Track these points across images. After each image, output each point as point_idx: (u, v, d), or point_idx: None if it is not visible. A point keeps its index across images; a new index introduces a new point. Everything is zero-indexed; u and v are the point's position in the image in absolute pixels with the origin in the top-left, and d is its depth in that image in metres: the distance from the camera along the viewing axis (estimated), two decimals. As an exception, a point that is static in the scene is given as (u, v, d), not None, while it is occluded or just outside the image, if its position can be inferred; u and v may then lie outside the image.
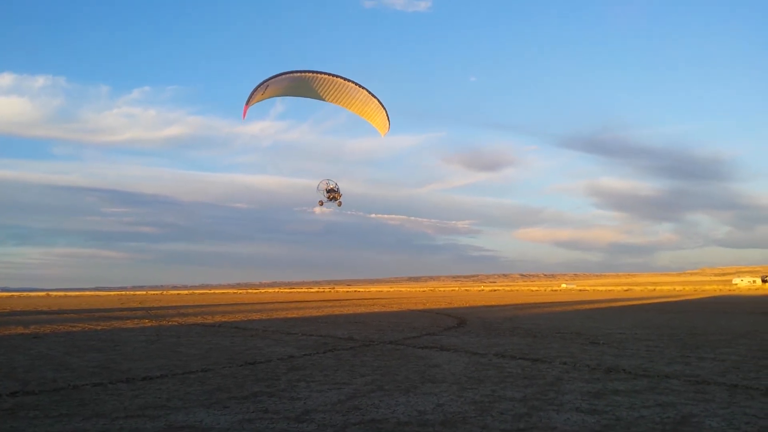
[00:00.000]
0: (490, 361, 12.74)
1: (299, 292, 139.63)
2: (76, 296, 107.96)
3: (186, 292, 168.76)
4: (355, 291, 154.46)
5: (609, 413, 7.68)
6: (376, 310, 38.81)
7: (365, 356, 13.73)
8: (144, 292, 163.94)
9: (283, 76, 27.91)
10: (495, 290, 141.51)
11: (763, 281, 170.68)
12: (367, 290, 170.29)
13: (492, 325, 23.63)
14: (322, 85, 29.43)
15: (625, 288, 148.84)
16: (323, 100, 30.41)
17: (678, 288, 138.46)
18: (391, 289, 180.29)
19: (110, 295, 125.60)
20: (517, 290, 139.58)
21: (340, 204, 32.35)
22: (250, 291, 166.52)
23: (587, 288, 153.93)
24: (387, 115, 30.99)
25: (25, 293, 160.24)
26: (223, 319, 28.58)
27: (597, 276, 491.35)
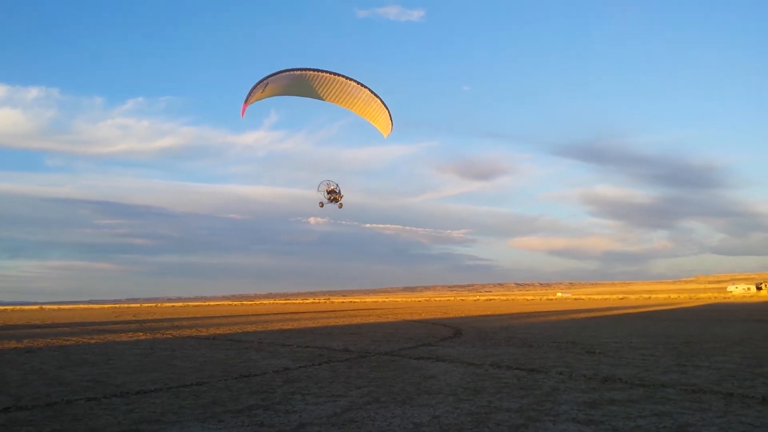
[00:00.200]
0: (486, 371, 12.72)
1: (294, 303, 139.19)
2: (70, 309, 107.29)
3: (180, 304, 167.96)
4: (351, 301, 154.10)
5: (605, 423, 7.67)
6: (371, 320, 38.70)
7: (361, 368, 13.67)
8: (138, 305, 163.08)
9: (284, 74, 27.26)
10: (490, 300, 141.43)
11: (758, 288, 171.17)
12: (362, 300, 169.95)
13: (488, 334, 23.60)
14: (323, 84, 28.72)
15: (621, 296, 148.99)
16: (324, 100, 29.67)
17: (673, 296, 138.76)
18: (387, 300, 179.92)
19: (104, 308, 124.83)
20: (513, 299, 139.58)
21: (341, 206, 31.71)
22: (245, 303, 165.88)
23: (583, 297, 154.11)
24: (390, 116, 30.30)
25: (18, 307, 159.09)
26: (218, 332, 28.44)
27: (592, 284, 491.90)
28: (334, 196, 31.40)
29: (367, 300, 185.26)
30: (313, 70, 27.93)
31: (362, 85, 28.89)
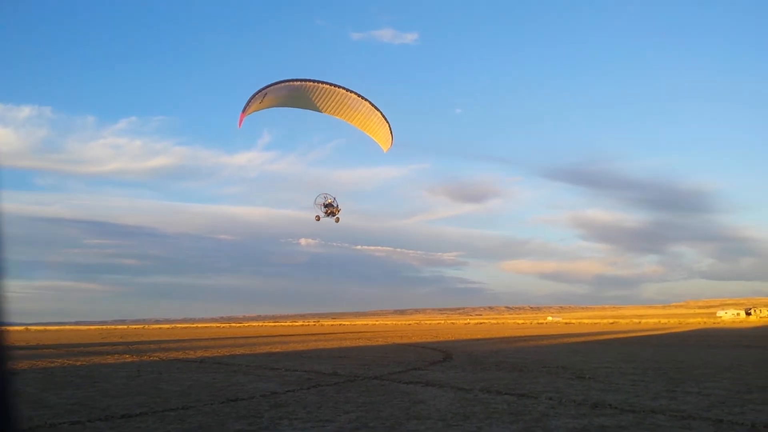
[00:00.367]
0: (476, 396, 12.63)
1: (284, 326, 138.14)
2: (56, 330, 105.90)
3: (168, 326, 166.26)
4: (341, 324, 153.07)
5: (595, 450, 7.61)
6: (361, 343, 38.44)
7: (349, 392, 13.54)
8: (125, 327, 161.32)
9: (282, 85, 26.54)
10: (481, 323, 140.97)
11: (747, 314, 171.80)
12: (352, 323, 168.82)
13: (478, 359, 23.48)
14: (323, 96, 27.92)
15: (611, 321, 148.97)
16: (323, 112, 28.93)
17: (663, 321, 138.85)
18: (377, 322, 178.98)
19: (91, 329, 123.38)
20: (503, 323, 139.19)
21: (337, 220, 31.00)
22: (233, 325, 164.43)
23: (573, 321, 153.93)
24: (390, 129, 29.46)
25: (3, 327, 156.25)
26: (206, 354, 28.14)
27: (583, 308, 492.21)
28: (331, 209, 30.67)
29: (357, 323, 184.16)
30: (313, 81, 27.19)
31: (362, 97, 28.08)
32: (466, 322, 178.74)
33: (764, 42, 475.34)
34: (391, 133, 29.65)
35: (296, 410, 11.02)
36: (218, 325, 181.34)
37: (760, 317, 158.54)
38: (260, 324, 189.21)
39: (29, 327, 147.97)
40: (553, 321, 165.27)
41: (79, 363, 23.53)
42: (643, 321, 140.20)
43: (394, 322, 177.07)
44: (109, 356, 27.62)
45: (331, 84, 27.43)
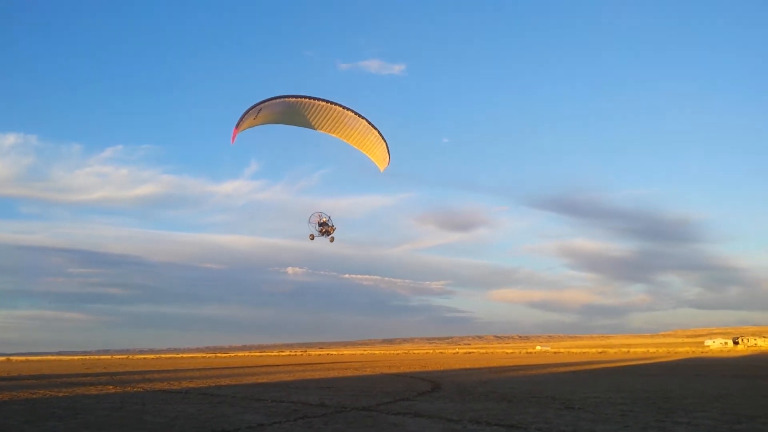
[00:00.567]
0: (465, 427, 12.50)
1: (270, 356, 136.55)
2: (38, 360, 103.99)
3: (153, 356, 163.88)
4: (328, 354, 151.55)
5: (585, 482, 7.53)
6: (348, 374, 38.03)
7: (337, 423, 13.36)
8: (109, 357, 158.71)
9: (278, 100, 26.03)
10: (469, 353, 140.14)
11: (735, 343, 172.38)
12: (339, 353, 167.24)
13: (467, 389, 23.29)
14: (319, 113, 27.40)
15: (600, 350, 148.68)
16: (318, 130, 28.38)
17: (651, 350, 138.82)
18: (365, 352, 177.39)
19: (74, 359, 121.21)
20: (492, 353, 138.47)
21: (332, 239, 30.42)
22: (219, 355, 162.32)
23: (562, 350, 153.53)
24: (387, 148, 29.00)
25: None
26: (191, 385, 27.70)
27: (571, 338, 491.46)
28: (325, 228, 30.25)
29: (344, 352, 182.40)
30: (309, 97, 26.66)
31: (359, 115, 27.66)
32: (454, 351, 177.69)
33: (749, 72, 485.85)
34: (388, 152, 29.24)
35: (283, 442, 10.84)
36: (204, 355, 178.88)
37: (748, 346, 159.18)
38: (246, 354, 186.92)
39: (11, 357, 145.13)
40: (542, 350, 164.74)
41: (61, 394, 23.07)
42: (632, 350, 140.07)
43: (382, 352, 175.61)
44: (92, 387, 27.10)
45: (327, 101, 27.01)
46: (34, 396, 22.41)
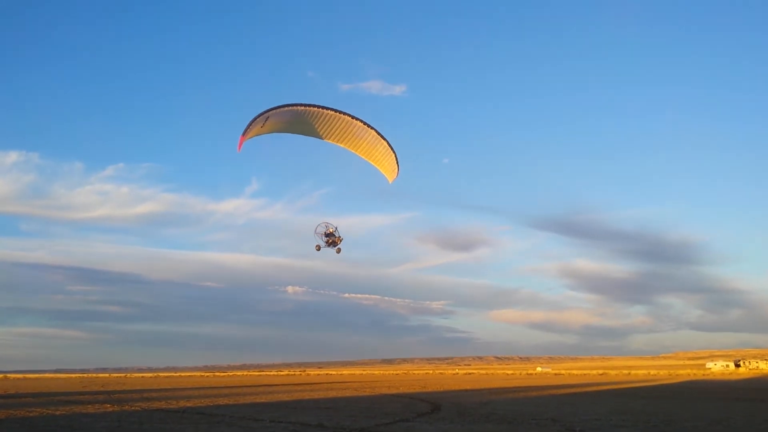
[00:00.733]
0: (465, 449, 12.39)
1: (269, 375, 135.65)
2: (36, 378, 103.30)
3: (151, 374, 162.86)
4: (327, 374, 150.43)
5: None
6: (347, 394, 37.75)
7: (336, 444, 13.25)
8: (107, 375, 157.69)
9: (285, 109, 25.65)
10: (469, 373, 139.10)
11: (736, 366, 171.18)
12: (339, 373, 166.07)
13: (466, 410, 23.11)
14: (327, 123, 26.90)
15: (601, 372, 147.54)
16: (326, 140, 27.89)
17: (653, 372, 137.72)
18: (364, 372, 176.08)
19: (71, 377, 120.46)
20: (492, 374, 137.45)
21: (339, 250, 30.07)
22: (217, 374, 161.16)
23: (563, 372, 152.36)
24: (396, 159, 28.53)
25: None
26: (188, 404, 27.50)
27: (572, 359, 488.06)
28: (332, 239, 29.86)
29: (343, 372, 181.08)
30: (317, 106, 26.28)
31: (368, 125, 27.29)
32: (454, 372, 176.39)
33: (750, 93, 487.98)
34: (397, 163, 28.80)
35: (281, 463, 10.76)
36: (202, 374, 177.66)
37: (750, 369, 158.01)
38: (245, 373, 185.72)
39: (8, 375, 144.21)
40: (542, 371, 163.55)
41: (59, 412, 22.91)
42: (633, 372, 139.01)
43: (382, 372, 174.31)
44: (89, 405, 26.92)
45: (335, 110, 26.61)
46: (31, 414, 22.25)
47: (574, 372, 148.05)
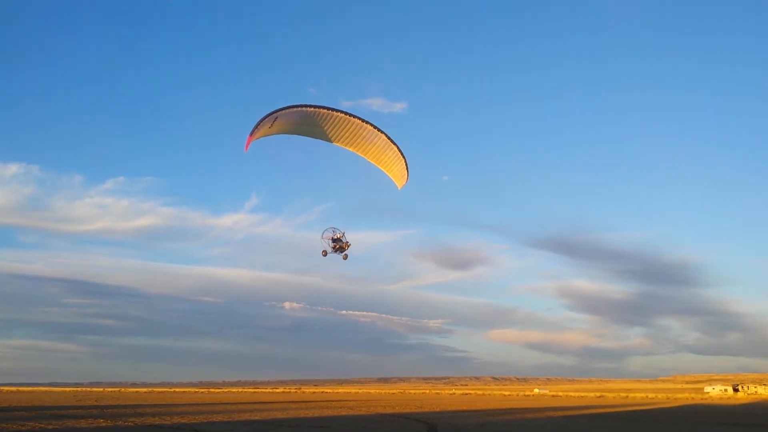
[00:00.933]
0: (461, 471, 12.27)
1: (264, 392, 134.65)
2: (29, 392, 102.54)
3: (145, 389, 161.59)
4: (322, 392, 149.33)
5: None
6: (343, 413, 37.46)
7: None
8: (101, 389, 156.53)
9: (295, 110, 25.10)
10: (466, 394, 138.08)
11: (735, 390, 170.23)
12: (334, 391, 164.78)
13: (463, 431, 22.92)
14: (336, 125, 26.37)
15: (598, 394, 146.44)
16: (335, 143, 27.35)
17: (651, 395, 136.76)
18: (360, 391, 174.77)
19: (65, 390, 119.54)
20: (489, 394, 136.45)
21: (345, 257, 29.30)
22: (213, 390, 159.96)
23: (560, 393, 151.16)
24: (406, 165, 27.95)
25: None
26: (182, 420, 27.25)
27: (570, 381, 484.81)
28: (339, 245, 29.16)
29: (339, 390, 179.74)
30: (327, 108, 25.79)
31: (378, 129, 26.66)
32: (451, 392, 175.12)
33: (746, 119, 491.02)
34: (407, 169, 28.26)
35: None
36: (197, 390, 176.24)
37: (748, 394, 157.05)
38: (240, 390, 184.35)
39: (1, 387, 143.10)
40: (539, 393, 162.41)
41: (51, 426, 22.72)
42: (631, 395, 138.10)
43: (378, 391, 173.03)
44: (82, 420, 26.72)
45: (345, 113, 26.13)
46: (23, 428, 22.05)
47: (572, 394, 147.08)
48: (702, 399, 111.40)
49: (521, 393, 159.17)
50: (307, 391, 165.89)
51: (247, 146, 24.90)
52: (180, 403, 52.85)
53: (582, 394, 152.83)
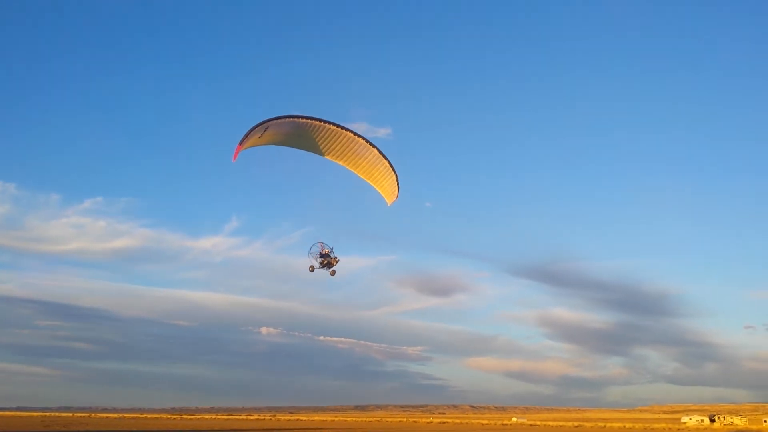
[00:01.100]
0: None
1: (238, 419, 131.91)
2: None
3: (115, 415, 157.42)
4: (298, 419, 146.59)
5: None
6: (318, 442, 36.49)
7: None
8: (70, 414, 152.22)
9: (286, 120, 24.50)
10: (444, 422, 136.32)
11: (711, 421, 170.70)
12: (310, 419, 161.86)
13: (439, 463, 22.29)
14: (328, 138, 25.78)
15: (576, 424, 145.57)
16: (325, 156, 26.75)
17: (628, 425, 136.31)
18: (336, 419, 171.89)
19: (33, 416, 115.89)
20: (467, 423, 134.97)
21: (333, 273, 28.51)
22: (185, 417, 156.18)
23: (538, 423, 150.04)
24: (397, 180, 27.39)
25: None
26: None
27: (548, 410, 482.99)
28: (327, 260, 28.52)
29: (315, 418, 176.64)
30: (319, 120, 25.14)
31: (370, 143, 26.22)
32: (428, 420, 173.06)
33: (732, 149, 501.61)
34: (397, 184, 27.74)
35: None
36: (169, 416, 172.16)
37: (724, 425, 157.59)
38: (213, 417, 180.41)
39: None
40: (518, 422, 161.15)
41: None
42: (608, 425, 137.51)
43: (355, 419, 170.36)
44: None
45: (338, 125, 25.63)
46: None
47: (550, 423, 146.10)
48: (679, 429, 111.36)
49: (499, 422, 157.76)
50: (282, 418, 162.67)
51: (235, 156, 24.11)
52: (150, 429, 51.30)
53: (560, 423, 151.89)
